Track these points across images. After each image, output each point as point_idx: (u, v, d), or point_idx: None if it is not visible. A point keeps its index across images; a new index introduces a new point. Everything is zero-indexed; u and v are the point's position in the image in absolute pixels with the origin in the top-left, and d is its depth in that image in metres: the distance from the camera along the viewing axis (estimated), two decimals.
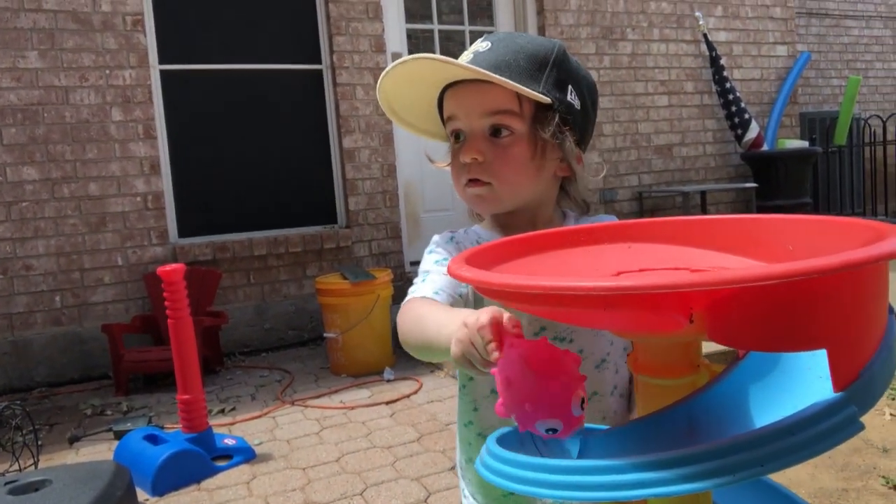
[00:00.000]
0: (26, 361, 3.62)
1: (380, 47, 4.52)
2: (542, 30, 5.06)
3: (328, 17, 4.35)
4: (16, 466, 2.57)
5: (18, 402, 2.85)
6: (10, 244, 3.60)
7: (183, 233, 4.06)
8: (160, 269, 2.44)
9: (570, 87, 0.98)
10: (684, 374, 0.61)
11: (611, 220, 1.04)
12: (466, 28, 5.05)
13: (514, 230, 0.99)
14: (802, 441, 0.44)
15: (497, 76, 0.91)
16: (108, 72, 3.79)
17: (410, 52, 4.97)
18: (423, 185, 4.74)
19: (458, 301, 0.97)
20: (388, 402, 3.05)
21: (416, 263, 5.10)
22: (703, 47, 5.55)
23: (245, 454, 2.64)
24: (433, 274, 0.99)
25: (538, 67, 0.96)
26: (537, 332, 0.99)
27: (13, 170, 3.61)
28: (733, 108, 5.50)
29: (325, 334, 3.51)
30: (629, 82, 5.33)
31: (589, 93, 1.02)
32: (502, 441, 0.60)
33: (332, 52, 4.37)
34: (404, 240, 4.58)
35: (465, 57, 0.97)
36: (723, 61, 5.53)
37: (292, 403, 3.10)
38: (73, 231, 3.72)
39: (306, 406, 3.07)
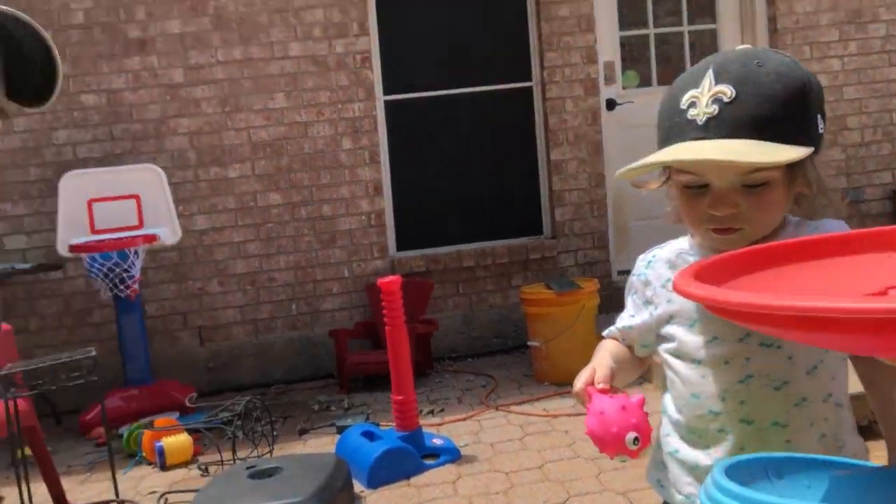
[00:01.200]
0: (268, 361, 4.12)
1: (591, 58, 4.46)
2: (772, 20, 4.59)
3: (540, 34, 4.40)
4: (255, 453, 2.91)
5: (259, 397, 3.23)
6: (258, 260, 4.15)
7: (400, 247, 4.34)
8: (380, 281, 2.63)
9: (818, 116, 0.91)
10: None
11: (839, 226, 0.96)
12: (685, 29, 4.77)
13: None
14: None
15: (767, 159, 0.85)
16: (340, 106, 4.22)
17: (623, 60, 4.86)
18: (634, 193, 4.47)
19: (636, 336, 1.10)
20: None
21: (624, 273, 4.86)
22: None
23: (451, 454, 2.70)
24: (623, 314, 1.14)
25: (799, 116, 0.89)
26: (742, 337, 0.94)
27: (262, 196, 4.17)
28: None
29: (528, 342, 3.49)
30: (881, 68, 4.60)
31: (824, 104, 0.95)
32: (731, 472, 0.53)
33: (542, 68, 4.41)
34: (611, 249, 4.43)
35: (707, 110, 0.89)
36: None
37: (496, 408, 3.11)
38: (308, 247, 4.18)
39: (510, 411, 3.06)
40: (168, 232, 3.69)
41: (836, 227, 0.95)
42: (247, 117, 4.15)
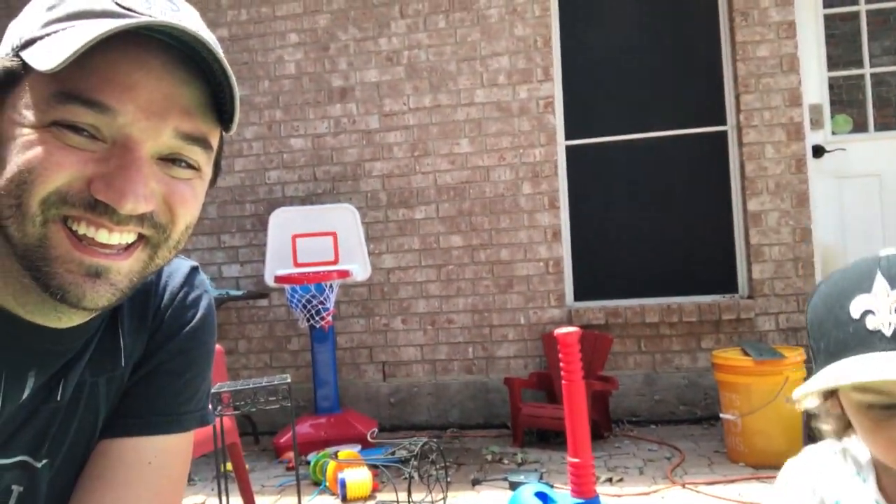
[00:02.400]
0: (444, 402, 4.16)
1: (795, 101, 4.10)
2: None
3: (735, 75, 4.14)
4: (429, 498, 2.93)
5: (435, 439, 3.25)
6: (438, 301, 4.23)
7: (578, 296, 4.22)
8: (557, 332, 2.54)
9: None
10: None
11: None
12: None
13: None
14: None
15: None
16: (521, 151, 4.24)
17: (833, 103, 4.41)
18: (847, 250, 4.06)
19: None
20: None
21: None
22: None
23: None
24: None
25: None
26: None
27: (444, 238, 4.26)
28: None
29: (721, 415, 3.20)
30: None
31: None
32: None
33: (738, 111, 4.13)
34: None
35: (892, 318, 0.82)
36: None
37: (683, 486, 2.87)
38: (485, 291, 4.20)
39: (698, 492, 2.81)
40: (359, 268, 3.88)
41: None
42: (433, 161, 4.29)
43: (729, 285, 4.12)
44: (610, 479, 3.01)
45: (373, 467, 3.19)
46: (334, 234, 3.93)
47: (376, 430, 3.64)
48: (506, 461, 3.37)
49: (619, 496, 2.84)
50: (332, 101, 4.40)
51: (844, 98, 4.35)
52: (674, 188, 4.25)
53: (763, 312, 3.96)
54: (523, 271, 4.18)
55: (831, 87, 4.29)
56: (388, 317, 4.26)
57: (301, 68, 4.43)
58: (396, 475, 3.11)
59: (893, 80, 4.31)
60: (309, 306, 3.72)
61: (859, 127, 4.28)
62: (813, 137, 4.19)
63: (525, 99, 4.24)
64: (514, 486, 2.96)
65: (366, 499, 3.03)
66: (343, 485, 3.04)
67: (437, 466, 3.10)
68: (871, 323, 0.83)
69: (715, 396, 3.37)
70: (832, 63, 4.28)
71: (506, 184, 4.23)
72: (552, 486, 2.87)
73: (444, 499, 2.93)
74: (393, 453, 3.24)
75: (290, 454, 3.35)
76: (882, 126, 4.25)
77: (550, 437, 3.64)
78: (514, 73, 4.25)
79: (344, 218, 4.01)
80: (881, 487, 0.91)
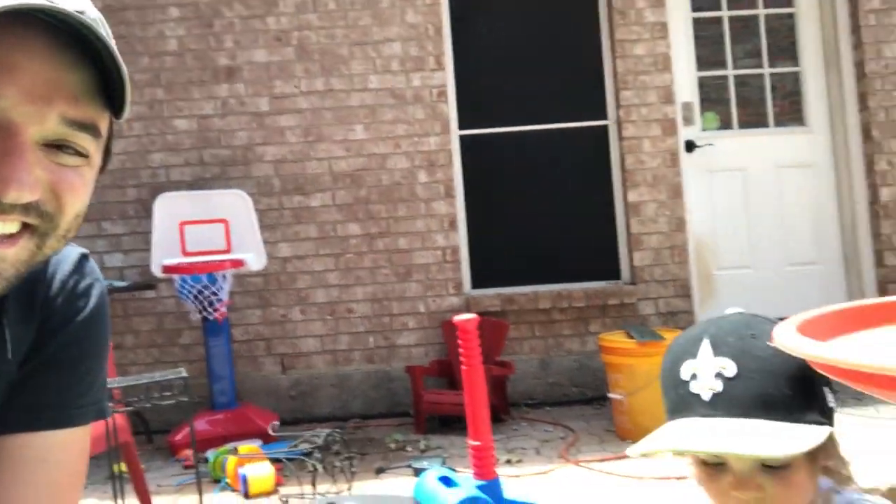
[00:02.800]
0: (346, 393, 4.15)
1: (668, 98, 4.41)
2: (860, 65, 4.46)
3: (615, 72, 4.38)
4: (334, 489, 2.93)
5: (339, 430, 3.25)
6: (337, 290, 4.20)
7: (475, 284, 4.34)
8: (456, 320, 2.61)
9: (825, 389, 0.90)
10: None
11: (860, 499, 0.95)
12: (766, 71, 4.67)
13: None
14: None
15: (784, 452, 0.84)
16: (416, 139, 4.27)
17: (703, 101, 4.79)
18: (717, 239, 4.44)
19: None
20: (680, 478, 2.85)
21: None
22: None
23: None
24: None
25: (801, 389, 0.88)
26: None
27: (342, 226, 4.22)
28: None
29: (609, 395, 3.43)
30: None
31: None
32: None
33: (618, 106, 4.37)
34: (695, 299, 4.31)
35: (711, 384, 0.90)
36: None
37: (577, 464, 3.06)
38: (385, 280, 4.21)
39: (591, 469, 3.00)
40: (254, 257, 3.76)
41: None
42: (328, 147, 4.23)
43: (613, 272, 4.39)
44: (509, 461, 3.15)
45: (275, 461, 3.14)
46: (225, 222, 3.78)
47: (277, 423, 3.58)
48: (409, 448, 3.43)
49: (518, 476, 2.98)
50: (218, 80, 4.21)
51: (713, 97, 4.74)
52: (562, 179, 4.45)
53: (644, 297, 4.25)
54: (421, 259, 4.23)
55: (701, 86, 4.65)
56: (286, 307, 4.17)
57: (184, 44, 4.20)
58: (300, 468, 3.08)
59: (754, 81, 4.73)
60: (201, 297, 3.56)
61: (725, 124, 4.68)
62: (685, 133, 4.53)
63: (419, 87, 4.26)
64: (418, 472, 3.02)
65: (269, 493, 2.98)
66: (245, 480, 2.97)
67: (342, 457, 3.10)
68: (694, 387, 0.91)
69: (603, 378, 3.60)
70: (701, 63, 4.63)
71: (402, 172, 4.25)
72: (455, 471, 2.96)
73: (350, 489, 2.94)
74: (296, 446, 3.20)
75: (188, 452, 3.22)
76: (745, 124, 4.67)
77: (452, 423, 3.73)
78: (407, 61, 4.26)
79: (235, 204, 3.86)
80: None
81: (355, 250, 4.22)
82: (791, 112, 4.71)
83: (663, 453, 0.94)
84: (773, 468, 0.90)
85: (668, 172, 4.37)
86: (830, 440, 0.93)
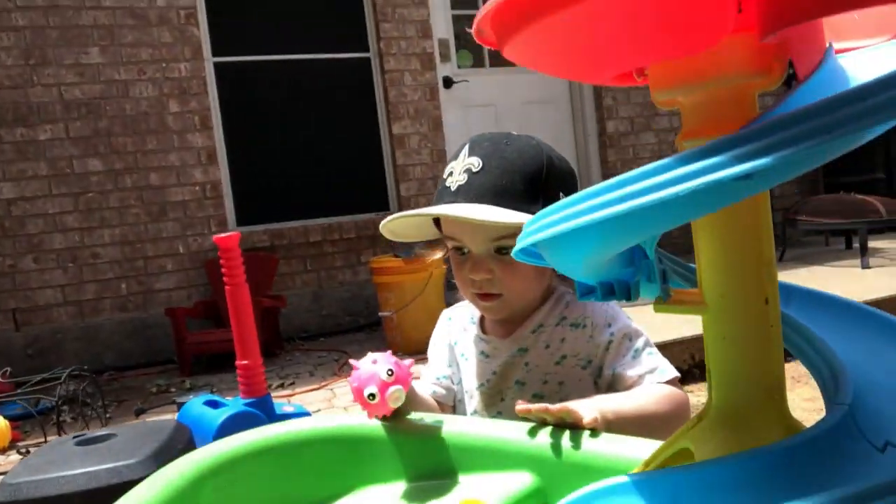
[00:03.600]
0: (97, 346, 3.74)
1: (426, 33, 4.53)
2: None
3: (374, 4, 4.39)
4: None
5: (86, 372, 2.92)
6: (78, 234, 3.74)
7: (241, 221, 4.14)
8: (216, 237, 2.46)
9: (561, 193, 1.02)
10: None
11: (603, 305, 1.09)
12: None
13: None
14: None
15: (494, 218, 0.95)
16: (164, 65, 3.91)
17: (457, 38, 5.00)
18: None
19: (438, 384, 1.17)
20: None
21: None
22: None
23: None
24: (428, 363, 1.22)
25: (534, 187, 1.00)
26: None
27: (79, 162, 3.75)
28: (791, 71, 5.25)
29: (380, 313, 3.51)
30: None
31: (573, 184, 1.07)
32: None
33: (379, 39, 4.40)
34: None
35: (459, 178, 1.02)
36: None
37: (349, 376, 3.09)
38: (135, 220, 3.84)
39: None
40: None
41: (600, 306, 1.08)
42: (56, 72, 3.70)
43: (382, 203, 4.46)
44: (282, 384, 3.10)
45: (14, 419, 2.74)
46: None
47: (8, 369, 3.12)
48: (174, 390, 3.21)
49: (291, 395, 2.95)
50: None
51: (468, 36, 4.97)
52: (329, 110, 4.38)
53: None
54: (178, 196, 3.93)
55: (456, 21, 4.84)
56: (15, 256, 3.62)
57: None
58: (46, 421, 2.73)
59: None
60: None
61: (479, 62, 4.95)
62: (442, 69, 4.71)
63: (164, 7, 3.89)
64: (182, 406, 2.84)
65: (5, 450, 2.61)
66: None
67: (96, 405, 2.80)
68: (448, 181, 1.04)
69: (375, 305, 3.67)
70: (456, 2, 4.83)
71: (149, 101, 3.88)
72: (223, 396, 2.84)
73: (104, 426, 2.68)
74: (37, 402, 2.82)
75: None
76: (496, 63, 4.97)
77: (222, 362, 3.56)
78: None
79: None
80: (483, 326, 1.15)
81: (98, 188, 3.78)
82: None
83: (409, 217, 1.05)
84: (502, 255, 1.02)
85: (428, 106, 4.52)
86: None
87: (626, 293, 0.55)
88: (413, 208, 4.37)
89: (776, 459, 0.45)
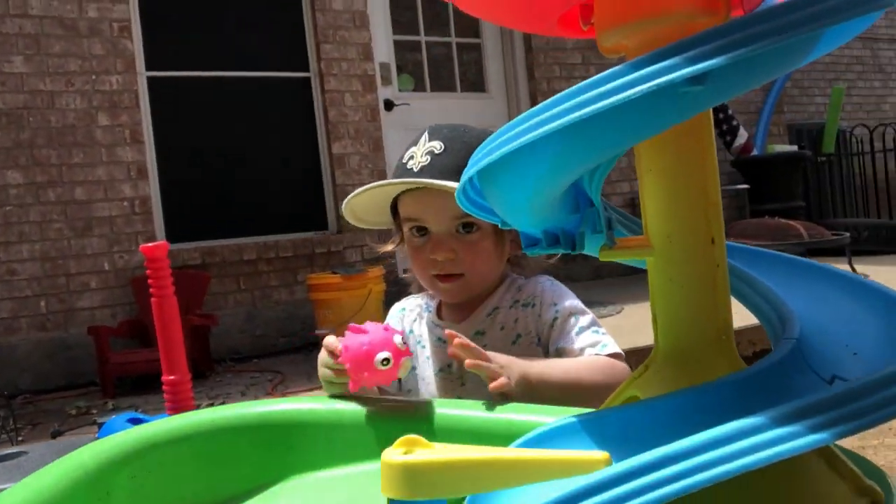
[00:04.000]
0: (11, 369, 3.49)
1: (367, 55, 4.55)
2: (527, 40, 5.11)
3: (315, 25, 4.38)
4: None
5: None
6: None
7: (171, 238, 3.97)
8: (143, 247, 2.36)
9: None
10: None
11: (549, 282, 1.13)
12: (453, 40, 5.10)
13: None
14: None
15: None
16: (94, 77, 3.77)
17: (398, 62, 5.04)
18: None
19: None
20: None
21: (409, 271, 4.96)
22: None
23: None
24: None
25: None
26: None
27: None
28: (720, 115, 5.53)
29: (317, 331, 3.43)
30: None
31: None
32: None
33: (319, 59, 4.39)
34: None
35: (421, 160, 1.05)
36: None
37: (283, 395, 3.00)
38: (58, 235, 3.65)
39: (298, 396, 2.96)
40: None
41: (549, 286, 1.11)
42: None
43: (321, 222, 4.40)
44: (212, 404, 2.97)
45: None
46: None
47: None
48: (95, 411, 3.03)
49: None
50: None
51: (408, 60, 5.02)
52: (266, 129, 4.32)
53: (350, 245, 4.34)
54: (104, 212, 3.76)
55: (398, 48, 4.89)
56: None
57: None
58: None
59: (444, 47, 5.12)
60: None
61: (420, 86, 4.99)
62: (383, 92, 4.73)
63: (96, 18, 3.77)
64: (103, 425, 2.68)
65: None
66: None
67: (8, 428, 2.61)
68: (409, 164, 1.07)
69: (312, 325, 3.58)
70: (397, 26, 4.88)
71: (77, 113, 3.73)
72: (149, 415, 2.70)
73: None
74: None
75: None
76: (437, 88, 5.03)
77: (147, 383, 3.39)
78: None
79: None
80: (439, 313, 1.16)
81: (17, 202, 3.58)
82: (475, 79, 5.21)
83: (369, 193, 1.06)
84: (463, 234, 1.03)
85: (369, 126, 4.51)
86: None
87: (571, 243, 0.54)
88: (352, 227, 4.35)
89: (726, 391, 0.44)
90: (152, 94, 3.99)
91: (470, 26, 5.13)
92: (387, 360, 0.80)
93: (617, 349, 1.01)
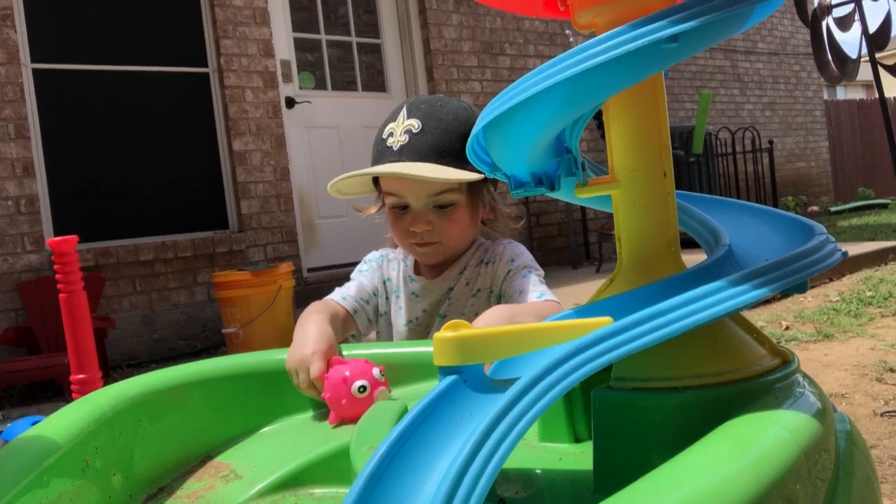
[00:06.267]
0: None
1: (268, 52, 4.50)
2: (426, 42, 5.24)
3: (214, 20, 4.29)
4: None
5: None
6: None
7: None
8: (50, 241, 2.26)
9: None
10: None
11: (512, 245, 1.23)
12: (353, 39, 5.14)
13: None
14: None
15: (442, 176, 1.06)
16: None
17: (299, 60, 5.00)
18: (317, 190, 4.71)
19: (364, 307, 1.21)
20: None
21: (314, 270, 4.93)
22: None
23: None
24: (352, 281, 1.25)
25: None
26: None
27: None
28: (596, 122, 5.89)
29: (223, 330, 3.37)
30: None
31: None
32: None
33: (219, 55, 4.30)
34: (301, 245, 4.51)
35: (400, 138, 1.11)
36: None
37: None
38: None
39: None
40: None
41: (510, 246, 1.23)
42: None
43: (221, 221, 4.30)
44: None
45: None
46: None
47: None
48: None
49: None
50: None
51: (309, 58, 5.00)
52: (162, 125, 4.18)
53: (253, 244, 4.28)
54: None
55: (298, 46, 4.87)
56: None
57: None
58: None
59: (345, 45, 5.14)
60: None
61: (321, 84, 4.99)
62: (285, 89, 4.69)
63: None
64: (4, 431, 2.52)
65: None
66: None
67: None
68: (389, 141, 1.14)
69: (214, 327, 3.50)
70: (297, 25, 4.86)
71: None
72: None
73: None
74: None
75: None
76: (338, 87, 5.05)
77: (39, 392, 3.20)
78: None
79: None
80: (416, 269, 1.26)
81: None
82: (376, 79, 5.27)
83: (356, 176, 1.12)
84: (441, 209, 1.13)
85: (271, 123, 4.47)
86: (487, 191, 1.19)
87: (551, 184, 0.64)
88: (254, 225, 4.29)
89: (678, 284, 0.56)
90: (39, 88, 3.77)
91: (370, 27, 5.19)
92: (363, 387, 0.83)
93: (557, 300, 1.13)
